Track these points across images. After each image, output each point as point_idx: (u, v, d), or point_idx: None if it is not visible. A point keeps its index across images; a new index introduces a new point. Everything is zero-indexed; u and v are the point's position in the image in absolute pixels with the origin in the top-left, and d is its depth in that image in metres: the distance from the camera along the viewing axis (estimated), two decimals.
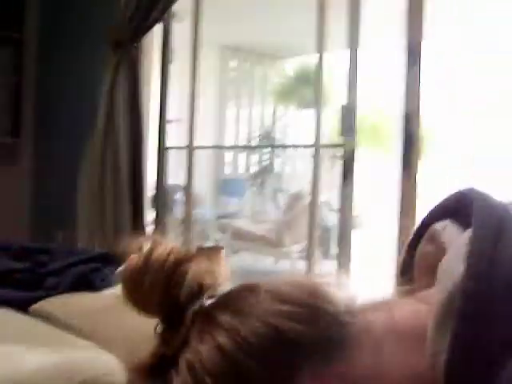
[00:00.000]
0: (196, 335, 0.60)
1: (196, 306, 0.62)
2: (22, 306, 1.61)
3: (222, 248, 0.68)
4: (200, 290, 0.62)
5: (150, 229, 3.62)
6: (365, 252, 5.94)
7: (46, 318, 1.57)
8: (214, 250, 0.68)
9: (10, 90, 4.32)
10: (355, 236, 2.84)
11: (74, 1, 4.31)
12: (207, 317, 0.61)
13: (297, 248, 6.33)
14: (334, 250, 5.56)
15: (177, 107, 3.99)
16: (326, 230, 6.74)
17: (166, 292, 0.62)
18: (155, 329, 0.64)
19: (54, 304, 1.63)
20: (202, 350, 0.59)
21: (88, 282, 1.68)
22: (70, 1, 4.36)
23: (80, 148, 3.84)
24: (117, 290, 1.75)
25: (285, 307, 0.59)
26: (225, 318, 0.60)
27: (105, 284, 1.71)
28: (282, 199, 8.57)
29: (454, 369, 0.54)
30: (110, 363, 1.27)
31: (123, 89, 3.50)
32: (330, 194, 5.89)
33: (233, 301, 0.63)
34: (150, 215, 3.64)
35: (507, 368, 0.52)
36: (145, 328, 1.40)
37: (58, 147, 4.32)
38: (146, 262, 0.63)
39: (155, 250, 0.64)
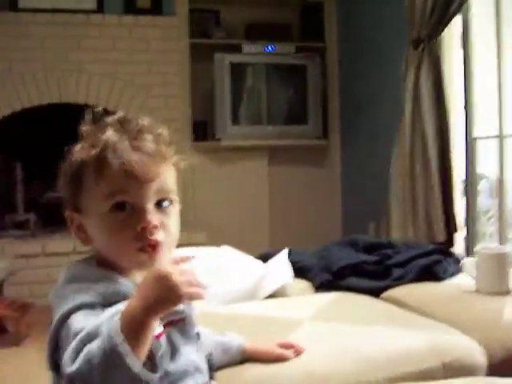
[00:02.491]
0: None
1: None
2: (374, 293, 1.85)
3: None
4: None
5: (460, 218, 3.71)
6: None
7: (397, 303, 1.77)
8: None
9: (319, 96, 4.73)
10: None
11: (367, 5, 4.55)
12: None
13: None
14: None
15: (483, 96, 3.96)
16: None
17: None
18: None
19: (403, 292, 1.83)
20: None
21: (432, 273, 1.86)
22: (364, 6, 4.60)
23: (385, 143, 4.08)
24: (460, 279, 1.90)
25: None
26: None
27: (447, 275, 1.88)
28: None
29: None
30: (470, 345, 1.42)
31: (427, 84, 3.64)
32: None
33: None
34: (460, 204, 3.73)
35: None
36: (496, 311, 1.51)
37: (363, 144, 4.61)
38: None
39: None
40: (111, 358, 0.80)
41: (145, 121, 1.03)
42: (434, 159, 3.62)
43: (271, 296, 1.79)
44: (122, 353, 0.80)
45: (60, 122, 4.24)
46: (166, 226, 0.98)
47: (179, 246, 1.64)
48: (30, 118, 4.22)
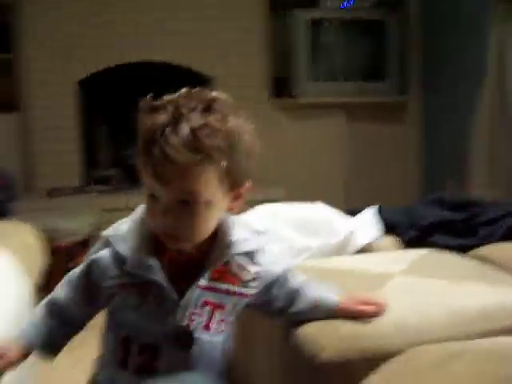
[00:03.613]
0: None
1: None
2: (461, 251, 1.85)
3: None
4: None
5: None
6: None
7: (485, 261, 1.77)
8: None
9: (397, 51, 4.64)
10: None
11: None
12: None
13: None
14: None
15: None
16: None
17: None
18: None
19: (491, 250, 1.82)
20: None
21: None
22: None
23: (468, 100, 3.99)
24: None
25: None
26: None
27: None
28: None
29: None
30: None
31: None
32: None
33: None
34: None
35: None
36: None
37: (445, 100, 4.51)
38: None
39: None
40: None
41: (208, 100, 1.02)
42: None
43: (360, 251, 1.82)
44: None
45: (145, 80, 4.35)
46: (185, 223, 1.03)
47: (262, 202, 1.76)
48: (118, 75, 4.33)
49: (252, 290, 1.16)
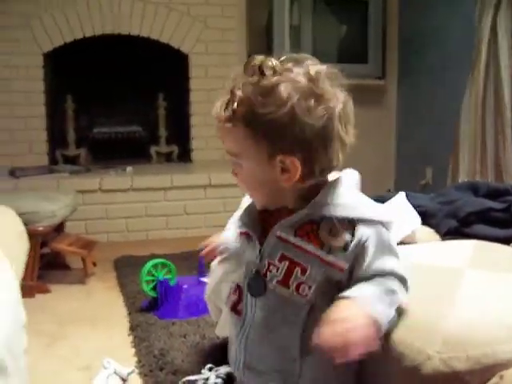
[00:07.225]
0: None
1: None
2: (503, 243, 1.72)
3: None
4: None
5: None
6: None
7: None
8: None
9: (379, 32, 4.52)
10: None
11: None
12: None
13: None
14: None
15: None
16: None
17: None
18: None
19: None
20: None
21: None
22: None
23: (446, 85, 3.92)
24: None
25: None
26: None
27: None
28: None
29: None
30: None
31: (505, 25, 3.45)
32: None
33: None
34: None
35: None
36: None
37: (422, 85, 4.43)
38: None
39: None
40: None
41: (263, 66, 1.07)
42: (508, 106, 3.46)
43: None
44: None
45: (112, 54, 4.10)
46: (238, 175, 1.12)
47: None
48: (83, 48, 4.05)
49: (339, 262, 1.05)
